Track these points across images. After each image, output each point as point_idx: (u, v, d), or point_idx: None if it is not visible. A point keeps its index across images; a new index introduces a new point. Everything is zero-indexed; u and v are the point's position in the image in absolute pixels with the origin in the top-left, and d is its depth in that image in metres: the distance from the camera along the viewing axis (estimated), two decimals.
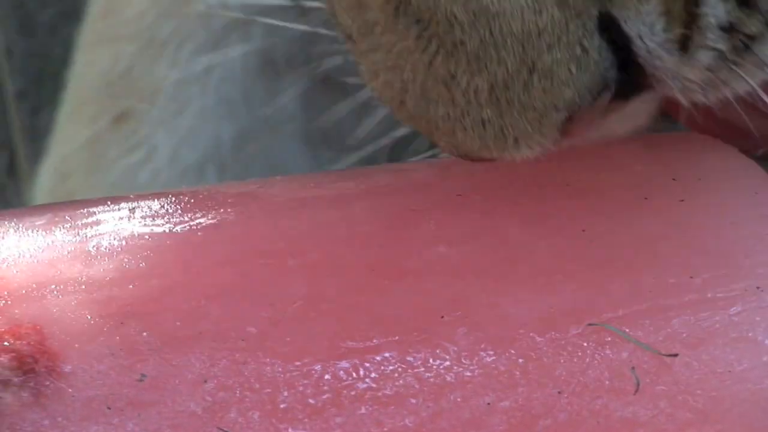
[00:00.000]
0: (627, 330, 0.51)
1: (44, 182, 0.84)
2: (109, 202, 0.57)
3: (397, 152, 0.72)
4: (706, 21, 0.51)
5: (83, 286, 0.53)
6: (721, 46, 0.52)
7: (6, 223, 0.56)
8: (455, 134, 0.52)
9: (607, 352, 0.51)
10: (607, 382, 0.50)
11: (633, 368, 0.50)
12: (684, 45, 0.52)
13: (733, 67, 0.53)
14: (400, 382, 0.50)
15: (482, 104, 0.51)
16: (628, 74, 0.52)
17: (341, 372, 0.50)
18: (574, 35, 0.50)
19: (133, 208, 0.56)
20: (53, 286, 0.53)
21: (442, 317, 0.52)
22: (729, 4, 0.51)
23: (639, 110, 0.57)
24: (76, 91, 0.83)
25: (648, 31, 0.51)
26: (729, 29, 0.52)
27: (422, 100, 0.52)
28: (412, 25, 0.50)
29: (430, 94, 0.51)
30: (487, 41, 0.49)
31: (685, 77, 0.52)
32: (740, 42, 0.52)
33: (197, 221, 0.56)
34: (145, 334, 0.51)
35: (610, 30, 0.51)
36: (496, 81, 0.50)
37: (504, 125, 0.51)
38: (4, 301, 0.52)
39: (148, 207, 0.56)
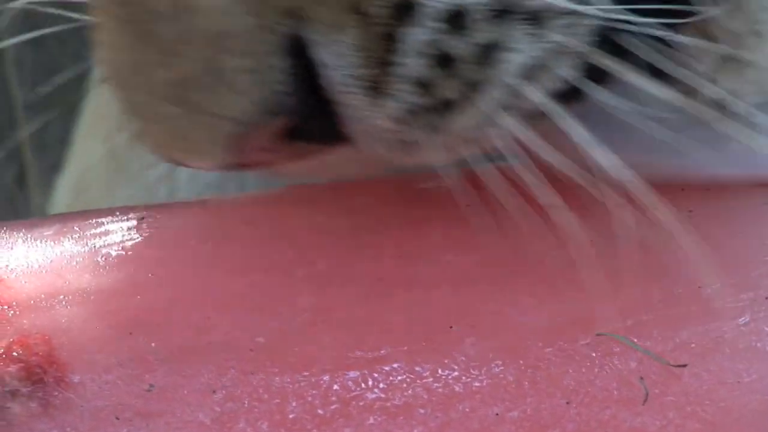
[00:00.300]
0: (635, 340, 0.51)
1: (61, 197, 0.84)
2: (117, 213, 0.57)
3: None
4: (398, 70, 0.48)
5: (92, 297, 0.53)
6: (413, 101, 0.48)
7: (15, 233, 0.56)
8: (146, 124, 0.51)
9: (616, 362, 0.51)
10: (615, 393, 0.50)
11: (641, 378, 0.50)
12: (375, 88, 0.48)
13: (427, 130, 0.49)
14: (409, 392, 0.50)
15: (166, 99, 0.49)
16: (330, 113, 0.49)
17: (349, 382, 0.50)
18: (260, 47, 0.48)
19: (142, 218, 0.56)
20: (62, 297, 0.53)
21: (451, 327, 0.52)
22: (425, 59, 0.48)
23: (344, 161, 0.53)
24: (94, 105, 0.83)
25: (339, 63, 0.48)
26: (427, 86, 0.48)
27: (123, 83, 0.51)
28: (115, 5, 0.49)
29: (127, 78, 0.50)
30: (180, 35, 0.48)
31: (372, 124, 0.49)
32: (437, 104, 0.49)
33: (205, 231, 0.56)
34: (153, 344, 0.51)
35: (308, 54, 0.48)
36: (180, 77, 0.48)
37: (181, 126, 0.49)
38: (12, 312, 0.52)
39: (157, 217, 0.56)
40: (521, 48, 0.49)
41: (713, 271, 0.53)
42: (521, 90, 0.49)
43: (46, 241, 0.55)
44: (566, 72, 0.50)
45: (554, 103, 0.50)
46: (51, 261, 0.54)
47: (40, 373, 0.50)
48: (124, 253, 0.55)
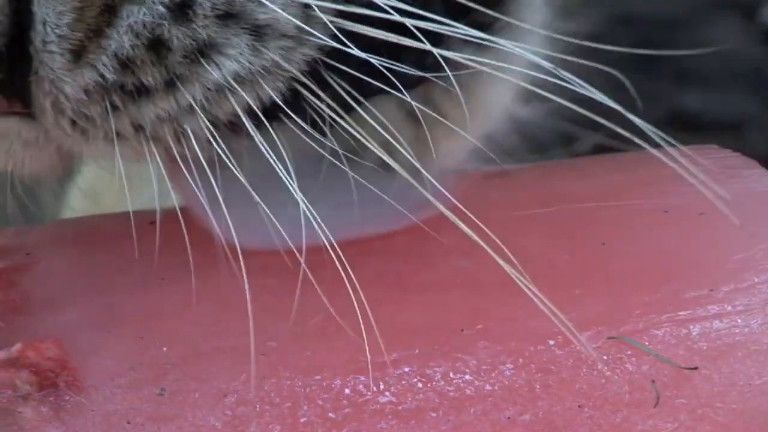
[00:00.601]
0: (647, 343, 0.51)
1: (74, 203, 0.84)
2: (129, 217, 0.57)
3: None
4: (107, 42, 0.48)
5: (104, 301, 0.53)
6: (109, 76, 0.49)
7: (27, 237, 0.56)
8: None
9: (627, 365, 0.51)
10: (627, 396, 0.50)
11: (653, 381, 0.50)
12: (78, 53, 0.48)
13: (112, 110, 0.49)
14: (420, 395, 0.50)
15: None
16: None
17: (361, 386, 0.50)
18: None
19: (152, 222, 0.55)
20: (74, 301, 0.53)
21: (462, 331, 0.52)
22: (138, 39, 0.48)
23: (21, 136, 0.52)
24: None
25: (52, 21, 0.48)
26: (129, 66, 0.49)
27: None
28: None
29: None
30: None
31: (62, 88, 0.49)
32: (133, 86, 0.49)
33: (214, 233, 0.55)
34: (164, 348, 0.51)
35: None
36: None
37: None
38: (25, 316, 0.52)
39: (168, 222, 0.56)
40: (236, 56, 0.49)
41: (725, 274, 0.53)
42: (222, 97, 0.50)
43: (58, 245, 0.55)
44: (271, 92, 0.50)
45: (250, 119, 0.50)
46: (64, 264, 0.54)
47: (52, 378, 0.50)
48: (135, 256, 0.54)
